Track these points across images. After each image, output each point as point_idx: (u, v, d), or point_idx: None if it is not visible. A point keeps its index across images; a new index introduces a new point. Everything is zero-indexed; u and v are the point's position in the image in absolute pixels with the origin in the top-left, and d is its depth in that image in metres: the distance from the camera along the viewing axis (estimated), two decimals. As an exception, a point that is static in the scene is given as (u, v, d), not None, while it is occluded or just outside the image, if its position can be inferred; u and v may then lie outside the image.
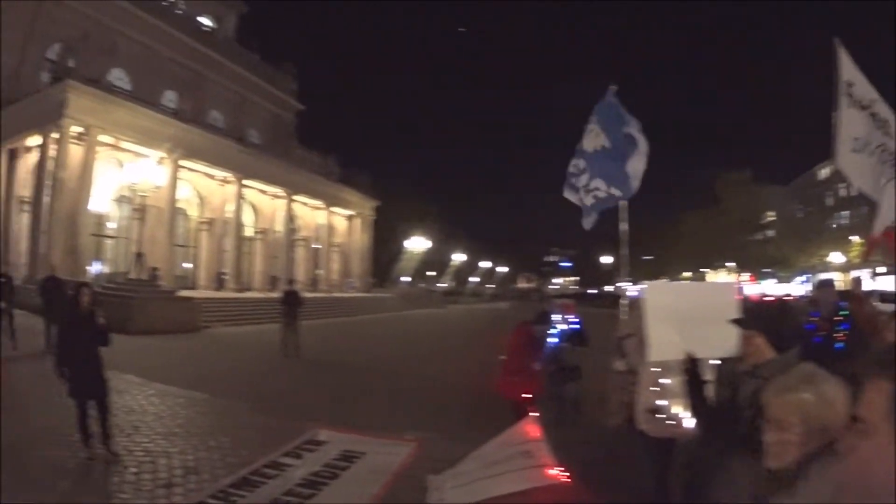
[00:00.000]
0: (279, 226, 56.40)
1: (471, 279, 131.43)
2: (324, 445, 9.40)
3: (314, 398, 15.65)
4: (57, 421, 11.05)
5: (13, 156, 42.03)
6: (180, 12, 55.87)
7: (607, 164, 10.20)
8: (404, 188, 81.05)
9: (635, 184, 10.19)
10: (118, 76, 50.38)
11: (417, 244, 79.95)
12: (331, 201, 62.18)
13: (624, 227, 10.35)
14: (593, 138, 10.40)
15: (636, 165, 10.09)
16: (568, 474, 7.50)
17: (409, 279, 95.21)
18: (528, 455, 7.65)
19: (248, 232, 54.90)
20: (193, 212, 50.39)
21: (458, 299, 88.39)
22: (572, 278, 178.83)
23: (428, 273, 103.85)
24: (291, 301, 24.46)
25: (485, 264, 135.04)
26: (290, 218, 56.62)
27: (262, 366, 21.27)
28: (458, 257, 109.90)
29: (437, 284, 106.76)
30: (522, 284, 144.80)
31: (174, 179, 42.87)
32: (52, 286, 20.83)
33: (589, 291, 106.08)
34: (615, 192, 10.07)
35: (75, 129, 36.99)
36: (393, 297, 64.66)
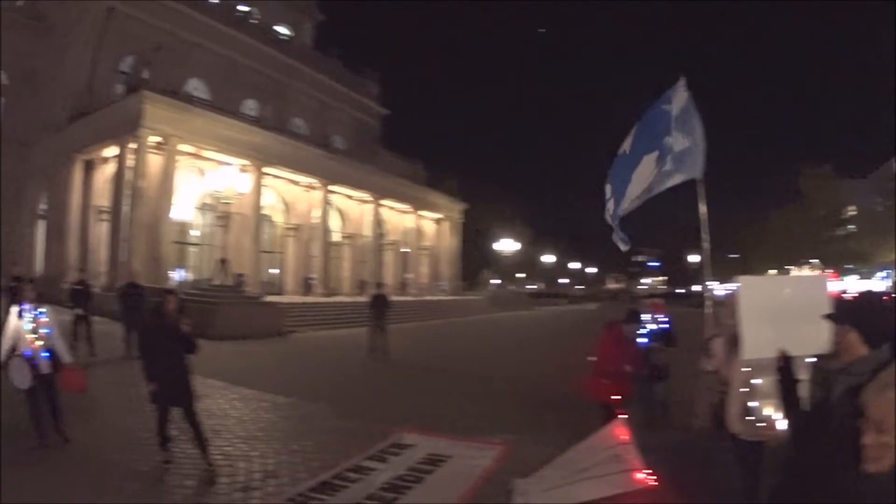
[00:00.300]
0: (367, 230, 56.11)
1: (560, 280, 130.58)
2: (409, 449, 9.76)
3: (401, 401, 15.29)
4: (133, 425, 11.23)
5: (89, 167, 42.51)
6: (255, 22, 56.11)
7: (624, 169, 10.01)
8: (493, 190, 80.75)
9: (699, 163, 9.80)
10: (195, 86, 50.79)
11: (506, 246, 79.24)
12: (418, 205, 61.58)
13: (703, 208, 9.78)
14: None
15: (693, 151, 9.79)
16: (655, 478, 7.81)
17: (498, 281, 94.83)
18: (617, 459, 8.04)
19: (336, 237, 54.69)
20: (279, 218, 50.38)
21: (546, 301, 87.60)
22: (660, 278, 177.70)
23: (517, 275, 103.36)
24: (379, 304, 24.18)
25: (574, 265, 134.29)
26: (378, 222, 56.33)
27: (348, 369, 21.00)
28: (548, 259, 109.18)
29: (527, 286, 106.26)
30: (611, 285, 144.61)
31: (258, 186, 42.78)
32: (132, 292, 20.75)
33: (676, 291, 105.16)
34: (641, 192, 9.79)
35: (153, 139, 37.11)
36: (481, 300, 64.10)
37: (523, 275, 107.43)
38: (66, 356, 10.25)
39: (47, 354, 9.91)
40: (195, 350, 9.55)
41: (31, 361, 9.74)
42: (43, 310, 10.05)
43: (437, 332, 36.30)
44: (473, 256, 77.37)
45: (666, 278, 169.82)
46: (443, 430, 11.27)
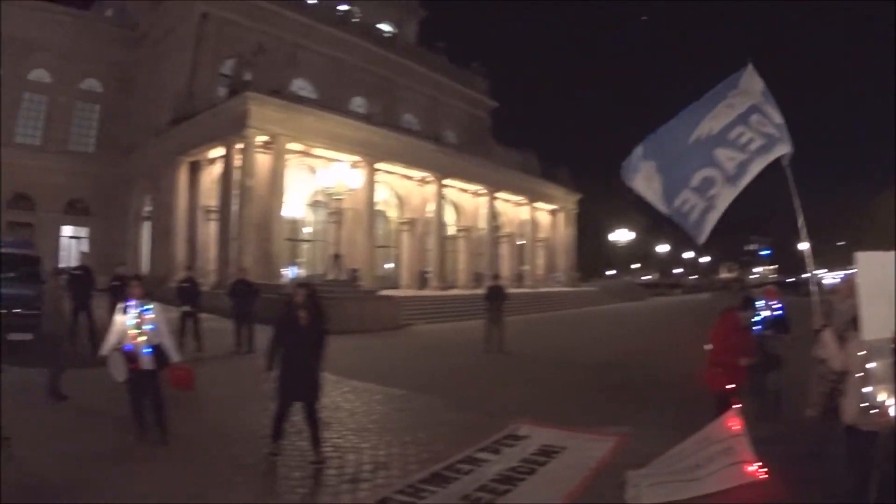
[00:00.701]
0: (482, 223, 55.43)
1: (674, 271, 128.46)
2: (523, 440, 9.83)
3: (516, 393, 15.08)
4: (241, 420, 11.43)
5: (195, 168, 43.08)
6: (357, 20, 56.01)
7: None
8: (607, 179, 79.58)
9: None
10: (301, 86, 51.04)
11: (621, 236, 78.31)
12: (533, 196, 60.57)
13: (794, 192, 9.49)
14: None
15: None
16: (766, 471, 7.86)
17: (612, 272, 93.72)
18: (729, 452, 7.99)
19: (451, 230, 54.42)
20: (393, 213, 50.49)
21: (659, 291, 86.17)
22: (771, 266, 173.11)
23: (631, 265, 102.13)
24: (496, 296, 23.95)
25: (688, 255, 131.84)
26: (493, 214, 55.67)
27: (463, 362, 20.85)
28: (662, 248, 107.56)
29: (642, 277, 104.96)
30: (724, 274, 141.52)
31: (371, 182, 42.74)
32: (242, 289, 21.27)
33: (787, 280, 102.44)
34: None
35: (260, 139, 37.43)
36: (597, 291, 62.79)
37: (637, 265, 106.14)
38: (174, 354, 10.26)
39: (149, 350, 9.87)
40: (325, 345, 9.41)
41: (131, 356, 9.76)
42: (149, 306, 10.03)
43: (552, 324, 35.92)
44: (588, 247, 76.51)
45: (776, 267, 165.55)
46: (558, 422, 11.21)
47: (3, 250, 20.30)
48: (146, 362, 9.80)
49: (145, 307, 9.98)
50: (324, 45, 52.55)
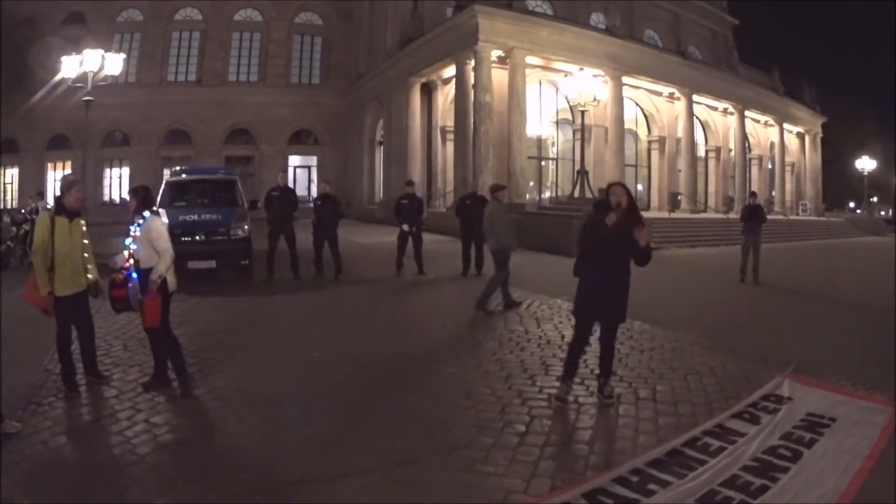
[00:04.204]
0: (731, 144, 52.12)
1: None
2: (786, 404, 7.68)
3: (777, 334, 12.38)
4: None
5: (429, 89, 42.70)
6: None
7: None
8: (853, 102, 74.07)
9: None
10: (536, 5, 48.34)
11: (866, 164, 72.33)
12: (780, 117, 56.21)
13: None
14: None
15: None
16: None
17: (852, 204, 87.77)
18: None
19: (700, 151, 51.04)
20: (641, 131, 48.49)
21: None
22: None
23: (872, 199, 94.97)
24: (754, 216, 20.74)
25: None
26: (743, 135, 51.70)
27: (715, 292, 18.59)
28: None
29: (881, 211, 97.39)
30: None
31: (618, 98, 40.37)
32: (470, 205, 19.17)
33: None
34: None
35: (495, 53, 35.89)
36: (842, 223, 58.06)
37: (874, 198, 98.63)
38: (154, 278, 8.20)
39: (135, 276, 8.31)
40: (647, 258, 7.91)
41: (119, 284, 8.40)
42: (140, 222, 8.34)
43: (804, 254, 32.32)
44: (832, 175, 71.60)
45: None
46: (826, 375, 8.87)
47: (192, 177, 20.68)
48: (135, 291, 8.33)
49: (137, 224, 8.41)
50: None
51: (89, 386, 8.30)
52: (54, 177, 49.56)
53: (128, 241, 8.40)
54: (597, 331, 8.15)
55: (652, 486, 5.50)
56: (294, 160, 54.31)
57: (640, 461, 6.00)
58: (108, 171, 53.37)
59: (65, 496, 5.67)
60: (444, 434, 6.74)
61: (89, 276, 8.35)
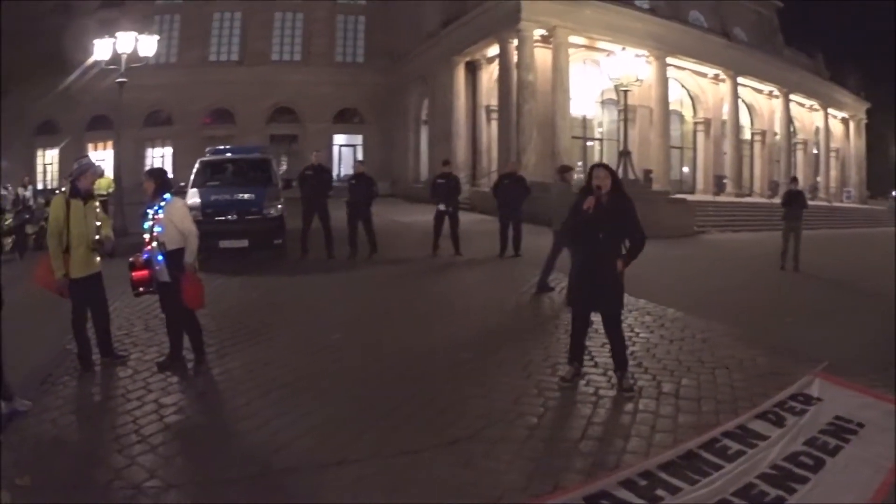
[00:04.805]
0: (777, 127, 51.53)
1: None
2: (814, 405, 6.90)
3: (813, 327, 11.52)
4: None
5: (473, 68, 42.46)
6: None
7: None
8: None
9: None
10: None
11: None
12: (825, 102, 55.63)
13: None
14: None
15: None
16: None
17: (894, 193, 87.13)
18: None
19: (745, 134, 50.69)
20: (687, 112, 47.99)
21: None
22: None
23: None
24: (795, 201, 20.28)
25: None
26: (788, 119, 51.19)
27: (754, 279, 17.95)
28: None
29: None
30: None
31: (663, 78, 40.38)
32: (508, 185, 18.87)
33: None
34: None
35: (537, 32, 35.73)
36: (887, 211, 56.70)
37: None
38: (188, 256, 8.46)
39: (161, 258, 8.39)
40: (642, 243, 7.73)
41: (142, 266, 8.51)
42: (161, 204, 8.43)
43: (847, 243, 31.19)
44: (876, 162, 70.40)
45: None
46: (859, 374, 7.98)
47: (225, 156, 20.92)
48: (161, 273, 8.46)
49: (159, 206, 8.46)
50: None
51: (105, 366, 8.44)
52: (95, 157, 49.71)
53: (146, 223, 8.45)
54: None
55: (660, 492, 5.13)
56: (339, 139, 54.61)
57: (652, 463, 5.64)
58: (149, 150, 53.90)
59: (63, 475, 5.75)
60: (450, 425, 6.60)
61: (98, 236, 8.37)
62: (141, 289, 8.55)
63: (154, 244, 8.33)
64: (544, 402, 7.16)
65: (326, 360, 8.77)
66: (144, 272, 8.42)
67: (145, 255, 8.46)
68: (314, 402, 7.20)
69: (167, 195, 8.44)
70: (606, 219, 7.40)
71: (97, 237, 8.30)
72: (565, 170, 14.73)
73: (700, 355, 9.15)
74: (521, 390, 7.51)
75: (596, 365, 8.33)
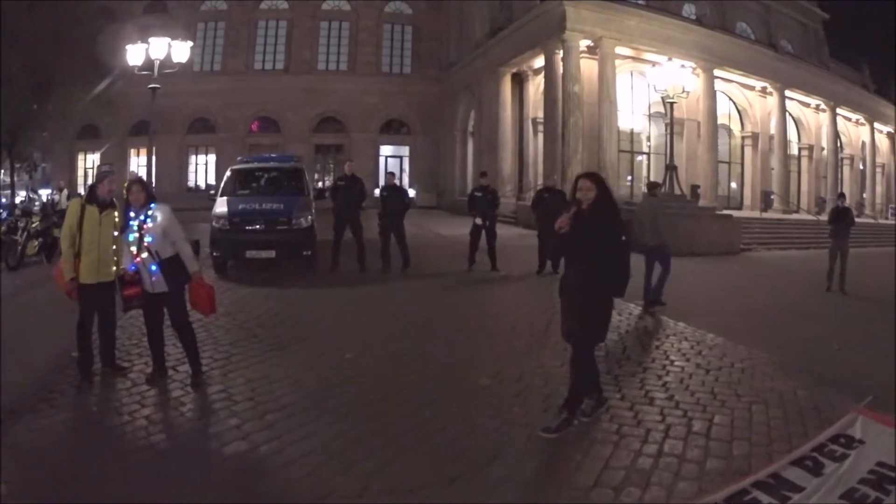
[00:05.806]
0: (824, 142, 50.67)
1: None
2: (856, 450, 5.80)
3: (860, 356, 10.69)
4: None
5: (520, 79, 42.55)
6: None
7: None
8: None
9: None
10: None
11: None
12: (871, 115, 54.28)
13: None
14: None
15: None
16: None
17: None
18: None
19: (792, 149, 49.68)
20: (735, 126, 47.45)
21: None
22: None
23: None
24: (842, 218, 19.37)
25: None
26: (835, 133, 50.34)
27: (799, 301, 16.95)
28: None
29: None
30: None
31: (711, 90, 39.76)
32: (547, 198, 18.80)
33: None
34: None
35: (583, 43, 35.67)
36: (931, 229, 56.31)
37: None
38: (192, 266, 8.42)
39: (155, 268, 8.16)
40: (623, 273, 7.00)
41: (131, 279, 8.27)
42: (150, 213, 8.21)
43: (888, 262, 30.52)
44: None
45: None
46: None
47: (256, 164, 20.96)
48: (156, 283, 8.22)
49: (147, 215, 8.25)
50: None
51: (105, 376, 8.41)
52: (137, 162, 50.75)
53: (131, 236, 8.26)
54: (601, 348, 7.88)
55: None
56: (385, 150, 54.59)
57: None
58: (193, 157, 54.43)
59: (38, 487, 5.70)
60: (453, 459, 6.12)
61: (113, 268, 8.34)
62: (132, 304, 8.43)
63: (144, 255, 8.17)
64: (559, 438, 6.62)
65: (335, 380, 8.53)
66: (138, 288, 8.27)
67: (132, 268, 8.30)
68: (311, 427, 6.93)
69: (153, 203, 8.31)
70: (587, 235, 6.76)
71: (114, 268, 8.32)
72: (654, 186, 15.25)
73: (737, 388, 8.59)
74: (537, 424, 6.89)
75: (623, 398, 7.83)
